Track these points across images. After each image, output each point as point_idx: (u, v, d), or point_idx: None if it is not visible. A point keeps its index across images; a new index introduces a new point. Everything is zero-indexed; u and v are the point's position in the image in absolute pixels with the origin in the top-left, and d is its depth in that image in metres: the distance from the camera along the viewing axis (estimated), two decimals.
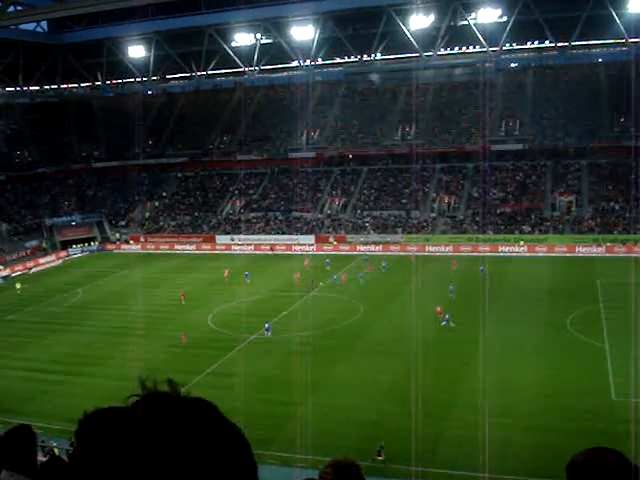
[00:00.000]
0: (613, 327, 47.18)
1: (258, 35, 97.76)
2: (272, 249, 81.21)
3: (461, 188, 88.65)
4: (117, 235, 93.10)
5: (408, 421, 32.64)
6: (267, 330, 48.53)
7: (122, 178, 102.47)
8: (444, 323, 48.85)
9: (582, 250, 72.94)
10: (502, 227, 79.74)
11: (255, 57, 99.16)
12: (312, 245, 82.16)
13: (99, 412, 1.45)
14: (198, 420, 1.44)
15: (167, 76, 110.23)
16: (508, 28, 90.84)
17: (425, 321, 49.62)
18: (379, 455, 29.60)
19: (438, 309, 49.92)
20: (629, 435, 31.03)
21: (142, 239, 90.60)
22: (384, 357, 42.86)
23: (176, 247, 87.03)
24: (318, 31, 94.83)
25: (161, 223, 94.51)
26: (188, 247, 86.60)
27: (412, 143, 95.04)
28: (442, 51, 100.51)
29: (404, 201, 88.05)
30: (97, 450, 1.34)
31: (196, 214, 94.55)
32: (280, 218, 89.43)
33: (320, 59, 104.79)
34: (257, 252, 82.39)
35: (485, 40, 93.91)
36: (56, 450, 27.27)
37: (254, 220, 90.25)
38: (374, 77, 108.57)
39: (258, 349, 46.12)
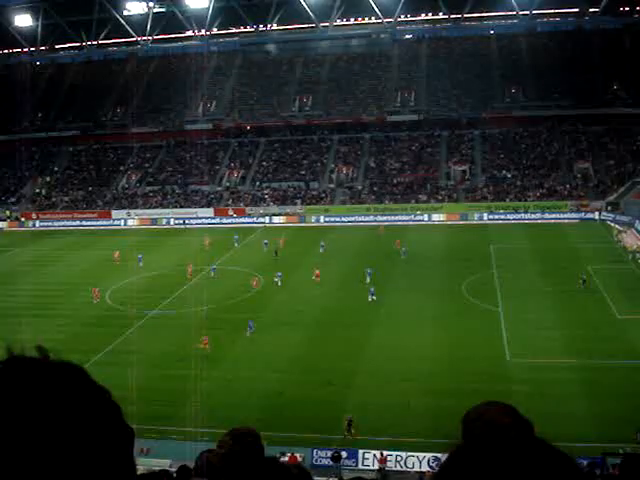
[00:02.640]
0: (506, 291, 48.83)
1: (151, 4, 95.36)
2: (184, 224, 79.26)
3: (359, 159, 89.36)
4: (7, 212, 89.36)
5: (312, 390, 32.95)
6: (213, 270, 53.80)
7: (10, 153, 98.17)
8: (370, 298, 48.84)
9: (476, 217, 74.99)
10: (399, 197, 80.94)
11: (148, 26, 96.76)
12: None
13: None
14: (61, 383, 1.43)
15: (56, 46, 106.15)
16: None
17: (327, 291, 50.09)
18: (349, 430, 29.55)
19: (317, 272, 51.35)
20: (523, 394, 32.30)
21: (34, 216, 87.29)
22: (287, 328, 42.91)
23: (70, 223, 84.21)
24: (213, 0, 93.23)
25: (54, 199, 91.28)
26: (84, 223, 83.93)
27: (310, 114, 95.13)
28: (338, 22, 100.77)
29: (303, 172, 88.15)
30: None
31: (90, 189, 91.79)
32: (177, 191, 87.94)
33: (215, 29, 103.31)
34: (154, 226, 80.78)
35: (380, 11, 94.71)
36: None
37: (151, 194, 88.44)
38: (271, 47, 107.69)
39: (158, 325, 45.42)
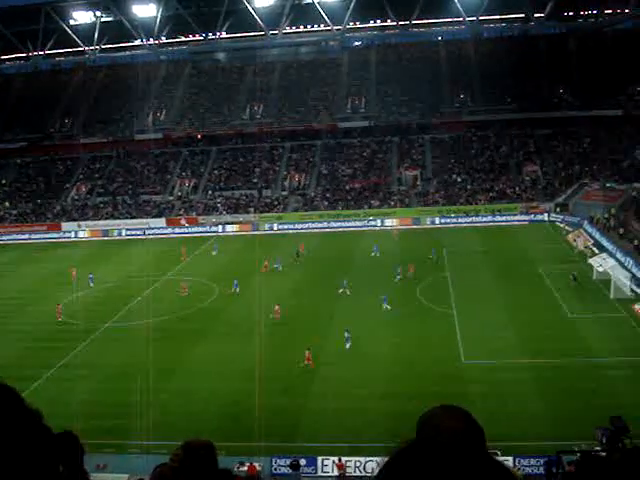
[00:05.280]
0: (460, 293, 49.32)
1: (98, 13, 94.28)
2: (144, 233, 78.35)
3: (311, 166, 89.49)
4: None
5: (269, 398, 32.82)
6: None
7: None
8: (341, 290, 50.04)
9: (428, 221, 75.62)
10: (352, 203, 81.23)
11: (96, 36, 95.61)
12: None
13: None
14: None
15: (2, 57, 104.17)
16: (351, 7, 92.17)
17: (279, 299, 49.95)
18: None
19: (276, 308, 46.47)
20: (479, 394, 32.63)
21: None
22: (241, 337, 42.71)
23: (19, 237, 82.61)
24: (161, 9, 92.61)
25: (1, 212, 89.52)
26: (33, 236, 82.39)
27: (261, 122, 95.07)
28: (287, 29, 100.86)
29: (255, 180, 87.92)
30: None
31: (39, 201, 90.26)
32: (128, 202, 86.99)
33: (164, 38, 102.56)
34: (106, 238, 79.72)
35: (329, 19, 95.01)
36: None
37: (101, 205, 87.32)
38: (220, 56, 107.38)
39: (112, 338, 44.77)
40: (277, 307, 45.95)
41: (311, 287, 53.42)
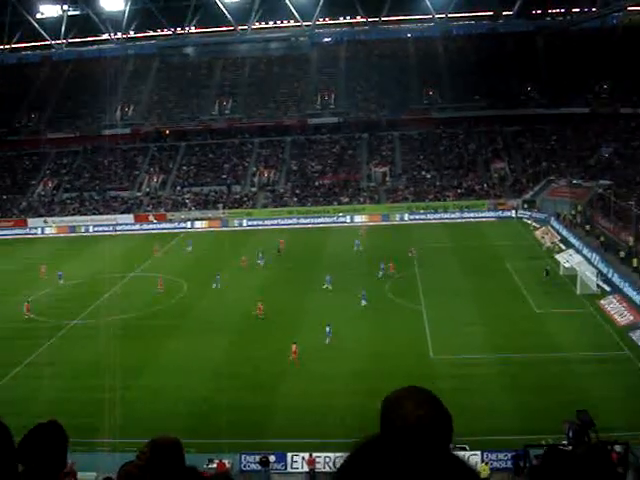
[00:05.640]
0: (428, 289, 49.58)
1: (65, 6, 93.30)
2: (115, 229, 77.55)
3: (280, 162, 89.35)
4: None
5: (238, 395, 32.75)
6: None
7: None
8: (326, 285, 50.28)
9: (398, 217, 75.92)
10: (321, 199, 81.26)
11: (63, 30, 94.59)
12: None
13: None
14: None
15: None
16: (321, 3, 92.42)
17: (249, 295, 49.86)
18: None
19: (259, 305, 46.11)
20: (447, 390, 32.77)
21: None
22: (211, 334, 42.48)
23: None
24: (129, 3, 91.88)
25: None
26: None
27: (230, 118, 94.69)
28: (257, 25, 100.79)
29: (224, 176, 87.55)
30: None
31: (5, 197, 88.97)
32: (96, 198, 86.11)
33: (132, 32, 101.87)
34: (73, 234, 78.87)
35: (299, 14, 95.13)
36: None
37: (68, 201, 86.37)
38: (189, 50, 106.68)
39: (81, 335, 44.29)
40: (260, 304, 45.72)
41: (291, 283, 53.21)
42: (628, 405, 30.62)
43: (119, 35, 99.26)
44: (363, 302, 46.66)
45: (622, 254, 53.61)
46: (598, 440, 25.53)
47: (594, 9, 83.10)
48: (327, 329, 40.42)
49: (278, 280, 54.27)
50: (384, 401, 2.24)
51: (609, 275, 49.75)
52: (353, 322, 43.58)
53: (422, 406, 2.14)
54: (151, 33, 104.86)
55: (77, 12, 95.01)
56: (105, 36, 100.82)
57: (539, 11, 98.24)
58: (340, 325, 42.49)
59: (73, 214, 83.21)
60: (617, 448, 24.89)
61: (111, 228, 77.82)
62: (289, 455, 28.56)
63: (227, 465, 27.77)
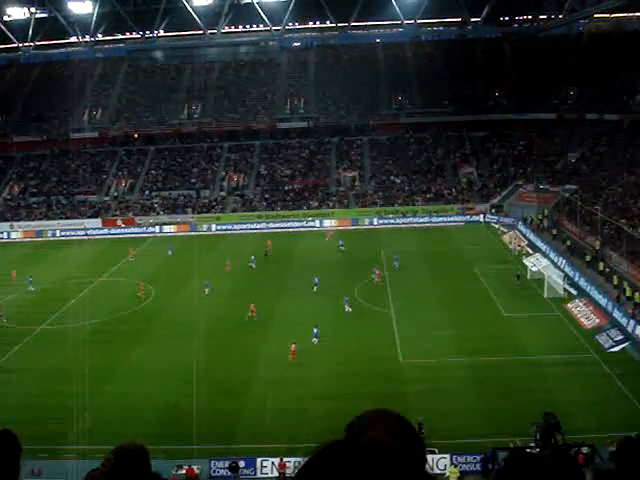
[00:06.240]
0: (398, 293, 49.77)
1: (33, 9, 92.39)
2: (87, 234, 76.53)
3: (250, 166, 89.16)
4: None
5: (207, 400, 32.59)
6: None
7: None
8: (315, 288, 50.56)
9: (367, 222, 76.15)
10: (291, 203, 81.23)
11: (30, 32, 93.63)
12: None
13: None
14: None
15: None
16: (290, 7, 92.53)
17: (219, 301, 49.72)
18: (420, 433, 29.18)
19: (252, 307, 46.38)
20: (416, 393, 33.03)
21: None
22: (180, 339, 42.18)
23: None
24: (97, 6, 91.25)
25: None
26: None
27: (199, 122, 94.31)
28: (226, 29, 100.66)
29: (193, 181, 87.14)
30: None
31: None
32: (63, 202, 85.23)
33: (100, 35, 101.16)
34: (40, 239, 77.92)
35: (268, 19, 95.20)
36: None
37: (35, 205, 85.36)
38: (158, 54, 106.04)
39: (48, 340, 43.77)
40: (252, 306, 45.84)
41: (249, 291, 53.09)
42: (595, 407, 31.03)
43: (87, 38, 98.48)
44: (347, 308, 46.66)
45: (588, 258, 54.30)
46: (564, 442, 25.84)
47: (561, 16, 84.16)
48: (315, 330, 40.67)
49: (265, 283, 53.99)
50: (349, 427, 2.16)
51: (576, 279, 50.36)
52: (323, 326, 43.49)
53: (380, 430, 2.08)
54: (120, 36, 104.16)
55: (45, 15, 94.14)
56: (73, 39, 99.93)
57: (507, 18, 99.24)
58: (310, 329, 42.45)
59: (40, 218, 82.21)
60: (584, 450, 25.19)
61: (83, 233, 76.82)
62: (259, 460, 28.50)
63: (196, 471, 27.66)
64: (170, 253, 66.12)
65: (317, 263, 59.53)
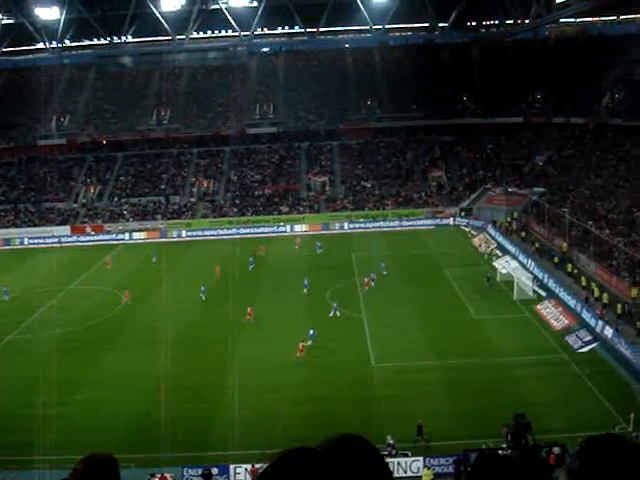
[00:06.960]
0: (369, 298, 49.85)
1: None
2: (60, 242, 75.51)
3: (220, 172, 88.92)
4: None
5: (179, 408, 32.43)
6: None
7: None
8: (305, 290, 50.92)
9: (337, 226, 76.29)
10: (261, 209, 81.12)
11: None
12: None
13: None
14: None
15: None
16: (259, 13, 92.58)
17: (192, 308, 49.49)
18: (420, 435, 29.21)
19: (249, 310, 46.62)
20: (389, 397, 33.14)
21: None
22: (151, 347, 41.80)
23: None
24: (64, 12, 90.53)
25: None
26: None
27: (168, 128, 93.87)
28: (195, 34, 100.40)
29: (163, 187, 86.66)
30: None
31: None
32: (31, 210, 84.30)
33: (67, 41, 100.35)
34: (7, 247, 76.95)
35: (237, 25, 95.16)
36: None
37: (2, 213, 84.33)
38: (126, 60, 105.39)
39: (16, 350, 43.25)
40: (250, 309, 45.86)
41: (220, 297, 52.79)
42: (565, 407, 31.37)
43: (54, 44, 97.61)
44: (334, 312, 46.75)
45: (556, 259, 54.94)
46: (534, 442, 26.08)
47: (527, 21, 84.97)
48: (310, 332, 40.89)
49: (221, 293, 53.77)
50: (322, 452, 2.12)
51: (544, 280, 50.91)
52: (295, 330, 43.34)
53: (359, 463, 2.06)
54: (87, 42, 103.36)
55: (11, 20, 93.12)
56: (40, 45, 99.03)
57: (474, 23, 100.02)
58: (282, 334, 42.49)
59: (7, 226, 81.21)
60: (555, 450, 25.47)
61: (56, 240, 75.79)
62: (232, 467, 28.41)
63: (169, 479, 27.49)
64: (154, 260, 64.14)
65: (296, 267, 59.59)
